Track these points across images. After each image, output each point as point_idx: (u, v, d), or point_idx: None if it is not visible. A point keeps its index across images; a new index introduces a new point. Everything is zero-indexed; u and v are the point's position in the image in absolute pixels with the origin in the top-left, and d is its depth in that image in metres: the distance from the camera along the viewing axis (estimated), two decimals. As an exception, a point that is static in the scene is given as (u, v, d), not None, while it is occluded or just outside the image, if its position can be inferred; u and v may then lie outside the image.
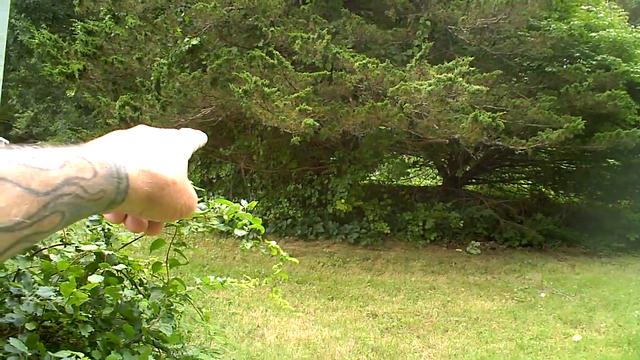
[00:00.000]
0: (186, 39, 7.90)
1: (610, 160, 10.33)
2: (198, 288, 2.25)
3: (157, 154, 0.57)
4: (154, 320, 2.03)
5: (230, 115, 7.89)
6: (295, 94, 6.49)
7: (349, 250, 8.20)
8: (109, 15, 8.93)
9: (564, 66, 9.08)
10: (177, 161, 0.59)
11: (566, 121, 7.29)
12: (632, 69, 8.78)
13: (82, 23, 9.25)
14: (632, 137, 7.86)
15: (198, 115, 7.62)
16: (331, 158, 9.49)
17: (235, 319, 5.34)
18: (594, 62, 8.70)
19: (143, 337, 1.99)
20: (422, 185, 13.59)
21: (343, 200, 8.46)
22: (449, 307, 6.11)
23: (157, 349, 2.11)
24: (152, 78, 7.66)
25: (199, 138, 0.72)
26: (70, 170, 0.46)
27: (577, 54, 8.89)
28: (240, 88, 6.37)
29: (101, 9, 9.04)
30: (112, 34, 8.80)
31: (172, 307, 2.16)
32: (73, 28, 10.17)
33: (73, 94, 11.59)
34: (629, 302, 6.55)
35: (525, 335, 5.37)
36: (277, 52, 6.69)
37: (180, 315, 2.26)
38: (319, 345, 4.86)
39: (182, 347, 2.33)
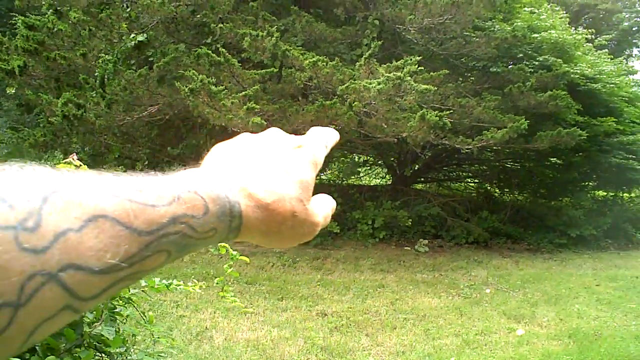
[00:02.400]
0: (132, 35, 7.73)
1: (552, 159, 10.67)
2: (143, 291, 2.20)
3: (277, 178, 0.51)
4: (95, 323, 1.98)
5: (178, 113, 7.76)
6: (243, 92, 6.44)
7: (299, 250, 8.18)
8: (51, 10, 8.63)
9: (508, 66, 9.31)
10: (300, 185, 0.52)
11: (510, 121, 7.47)
12: (572, 70, 9.07)
13: (22, 17, 8.90)
14: (572, 136, 8.12)
15: (145, 113, 7.47)
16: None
17: (183, 321, 5.25)
18: (537, 63, 8.96)
19: (85, 341, 1.93)
20: (372, 184, 13.69)
21: (292, 199, 8.42)
22: (398, 305, 6.17)
23: (99, 354, 2.05)
24: (96, 75, 7.46)
25: (330, 138, 0.63)
26: (180, 207, 0.42)
27: (521, 55, 9.13)
28: (187, 86, 6.27)
29: (43, 3, 8.73)
30: (55, 29, 8.50)
31: (115, 310, 2.10)
32: (14, 22, 9.80)
33: (13, 91, 11.18)
34: (569, 297, 6.76)
35: (471, 330, 5.47)
36: (224, 50, 6.61)
37: (126, 319, 2.20)
38: (268, 346, 4.83)
39: (126, 351, 2.28)
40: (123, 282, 0.39)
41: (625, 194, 11.88)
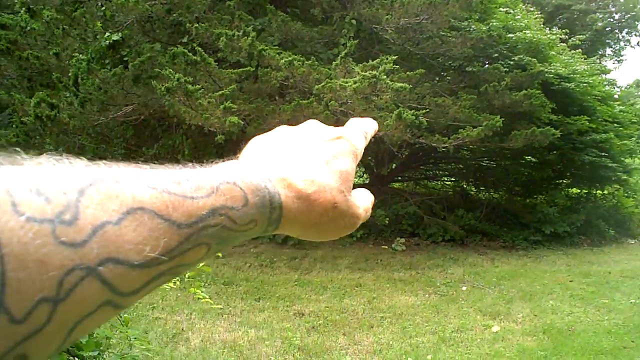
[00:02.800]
0: (107, 34, 7.64)
1: (527, 157, 10.80)
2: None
3: (317, 168, 0.50)
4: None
5: (154, 113, 7.69)
6: (220, 92, 6.40)
7: (277, 250, 8.18)
8: (24, 8, 8.49)
9: (484, 66, 9.40)
10: (340, 175, 0.51)
11: (485, 119, 7.55)
12: (546, 70, 9.20)
13: (-6, 16, 8.79)
14: (546, 134, 8.23)
15: (119, 113, 7.40)
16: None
17: (159, 323, 5.21)
18: (512, 63, 9.06)
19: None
20: (349, 183, 13.67)
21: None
22: (375, 304, 6.20)
23: (72, 357, 2.03)
24: (70, 74, 7.36)
25: (369, 128, 0.62)
26: (219, 199, 0.41)
27: (496, 54, 9.22)
28: (163, 85, 6.22)
29: (15, 1, 8.61)
30: (28, 28, 8.36)
31: (87, 313, 2.08)
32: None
33: (-15, 90, 10.99)
34: (544, 293, 6.86)
35: (447, 328, 5.52)
36: (201, 49, 6.57)
37: (99, 322, 2.17)
38: (245, 347, 4.81)
39: (99, 354, 2.26)
40: (164, 277, 0.39)
41: (598, 192, 12.06)
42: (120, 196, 0.35)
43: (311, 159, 0.51)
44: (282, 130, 0.56)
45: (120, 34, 7.58)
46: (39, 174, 0.33)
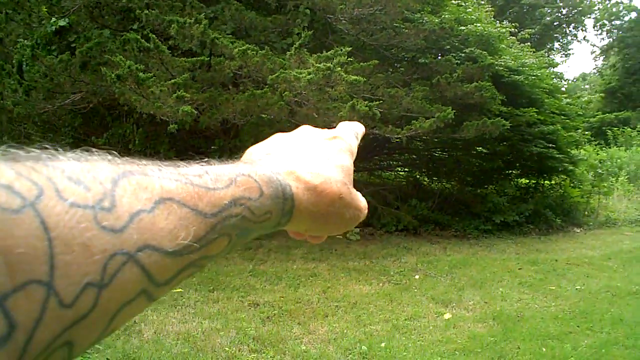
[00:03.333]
0: (53, 20, 7.40)
1: (478, 148, 11.00)
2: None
3: (321, 163, 0.53)
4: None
5: (103, 101, 7.50)
6: (172, 80, 6.28)
7: (231, 239, 8.10)
8: (-37, -9, 8.16)
9: (436, 58, 9.51)
10: (342, 169, 0.54)
11: (437, 111, 7.64)
12: (496, 62, 9.38)
13: None
14: (497, 125, 8.40)
15: (67, 101, 7.18)
16: (212, 147, 9.31)
17: (110, 315, 5.11)
18: (463, 55, 9.20)
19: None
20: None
21: (224, 190, 8.32)
22: (329, 293, 6.22)
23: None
24: (13, 61, 7.10)
25: (358, 129, 0.67)
26: (237, 190, 0.43)
27: (448, 47, 9.35)
28: (113, 73, 6.06)
29: (-46, -17, 8.25)
30: (-32, 12, 8.06)
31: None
32: None
33: None
34: (494, 280, 7.02)
35: (401, 316, 5.58)
36: (154, 36, 6.43)
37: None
38: (198, 338, 4.76)
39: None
40: (192, 268, 0.40)
41: (545, 182, 12.41)
42: (149, 187, 0.37)
43: (314, 155, 0.54)
44: (278, 137, 0.58)
45: (67, 19, 7.36)
46: (76, 166, 0.34)
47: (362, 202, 0.57)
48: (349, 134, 0.62)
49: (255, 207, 0.44)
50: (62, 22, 7.33)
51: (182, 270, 0.38)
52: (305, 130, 0.60)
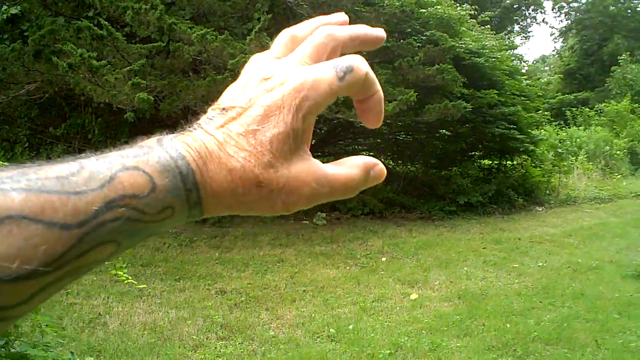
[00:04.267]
0: (4, 8, 7.18)
1: (441, 131, 11.09)
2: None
3: (233, 137, 0.41)
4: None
5: (60, 91, 7.32)
6: (128, 67, 6.16)
7: (196, 229, 8.04)
8: None
9: (398, 41, 9.52)
10: (269, 143, 0.41)
11: (400, 94, 7.67)
12: (457, 45, 9.45)
13: None
14: (458, 108, 8.49)
15: (22, 91, 6.99)
16: (174, 135, 9.19)
17: (74, 309, 5.02)
18: (424, 38, 9.24)
19: (-43, 335, 1.80)
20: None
21: (188, 178, 8.23)
22: (297, 278, 6.23)
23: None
24: (-35, 50, 6.88)
25: (343, 33, 0.48)
26: (113, 189, 0.35)
27: (409, 30, 9.38)
28: (65, 62, 5.91)
29: None
30: None
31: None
32: None
33: None
34: (458, 260, 7.12)
35: (368, 298, 5.63)
36: (107, 23, 6.28)
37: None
38: (165, 327, 4.72)
39: (7, 343, 2.15)
40: (60, 282, 0.35)
41: (507, 162, 12.61)
42: None
43: (232, 123, 0.42)
44: (246, 69, 0.46)
45: (19, 7, 7.14)
46: None
47: (313, 182, 0.42)
48: (312, 53, 0.46)
49: (146, 205, 0.37)
50: (14, 10, 7.12)
51: (40, 290, 0.34)
52: (250, 66, 0.47)
